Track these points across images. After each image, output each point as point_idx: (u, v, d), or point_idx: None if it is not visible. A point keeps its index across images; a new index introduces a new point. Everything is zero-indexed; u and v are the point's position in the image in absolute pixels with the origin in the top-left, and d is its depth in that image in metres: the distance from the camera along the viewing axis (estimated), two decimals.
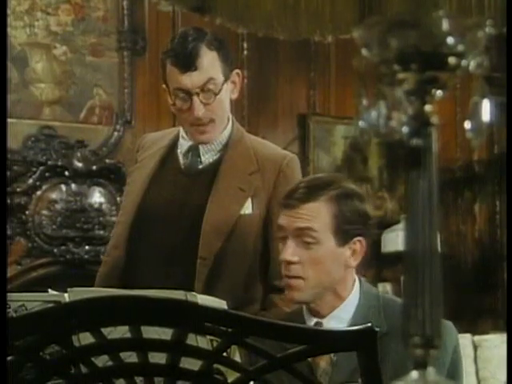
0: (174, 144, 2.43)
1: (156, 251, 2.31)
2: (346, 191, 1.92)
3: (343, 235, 1.89)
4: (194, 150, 2.38)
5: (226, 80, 2.31)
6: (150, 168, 2.41)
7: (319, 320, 1.92)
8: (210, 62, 2.28)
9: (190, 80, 2.26)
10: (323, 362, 1.88)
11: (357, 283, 1.95)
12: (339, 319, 1.90)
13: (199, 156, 2.37)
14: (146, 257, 2.32)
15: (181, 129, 2.43)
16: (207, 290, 2.19)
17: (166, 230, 2.31)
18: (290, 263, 1.90)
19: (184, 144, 2.40)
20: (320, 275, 1.89)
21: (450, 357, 1.84)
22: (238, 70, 2.38)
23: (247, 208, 2.31)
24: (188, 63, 2.26)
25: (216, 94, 2.28)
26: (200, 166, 2.37)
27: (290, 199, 1.92)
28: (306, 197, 1.90)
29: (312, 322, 1.93)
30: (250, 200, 2.32)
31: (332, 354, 1.86)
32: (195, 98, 2.26)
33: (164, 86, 2.37)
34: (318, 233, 1.88)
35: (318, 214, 1.88)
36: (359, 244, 1.90)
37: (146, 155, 2.47)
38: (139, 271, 2.31)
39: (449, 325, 1.89)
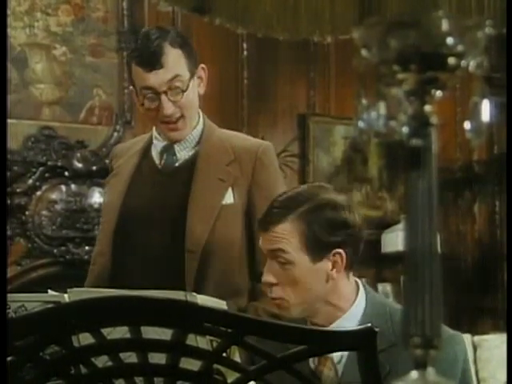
0: (147, 147, 2.45)
1: (143, 253, 2.31)
2: (318, 204, 1.87)
3: (317, 251, 1.85)
4: (169, 149, 2.39)
5: (192, 76, 2.32)
6: (127, 173, 2.42)
7: None
8: (174, 59, 2.29)
9: (156, 78, 2.27)
10: (327, 369, 1.87)
11: (361, 291, 1.91)
12: (343, 328, 1.86)
13: (175, 154, 2.38)
14: (133, 260, 2.32)
15: (153, 131, 2.44)
16: (198, 283, 2.21)
17: (151, 230, 2.31)
18: (270, 285, 1.88)
19: (158, 145, 2.41)
20: (300, 293, 1.85)
21: (460, 368, 1.82)
22: (203, 65, 2.38)
23: (229, 198, 2.33)
24: (153, 61, 2.27)
25: (184, 91, 2.29)
26: (177, 164, 2.38)
27: (264, 222, 1.91)
28: (276, 218, 1.87)
29: None
30: (230, 190, 2.33)
31: (337, 363, 1.85)
32: (163, 97, 2.27)
33: (131, 87, 2.39)
34: (290, 253, 1.85)
35: (287, 235, 1.85)
36: (339, 256, 1.85)
37: (121, 162, 2.48)
38: (127, 275, 2.31)
39: (458, 336, 1.87)
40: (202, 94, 2.39)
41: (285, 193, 1.97)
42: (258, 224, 1.94)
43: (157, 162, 2.41)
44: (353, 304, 1.89)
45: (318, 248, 1.85)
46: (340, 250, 1.85)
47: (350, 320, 1.87)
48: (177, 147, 2.38)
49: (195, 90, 2.35)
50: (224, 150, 2.38)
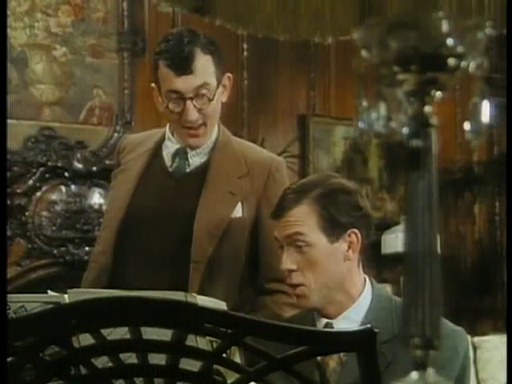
0: (159, 146, 2.41)
1: (145, 256, 2.28)
2: (331, 188, 1.92)
3: (334, 231, 1.89)
4: (181, 153, 2.36)
5: (218, 84, 2.30)
6: (136, 171, 2.39)
7: (329, 321, 1.91)
8: (204, 65, 2.27)
9: (185, 83, 2.25)
10: (333, 361, 1.88)
11: (368, 284, 1.94)
12: (350, 320, 1.89)
13: (187, 159, 2.36)
14: (135, 262, 2.29)
15: (167, 130, 2.41)
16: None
17: (155, 234, 2.29)
18: (290, 271, 1.91)
19: (170, 146, 2.38)
20: (320, 277, 1.89)
21: (460, 362, 1.84)
22: (229, 74, 2.36)
23: (237, 212, 2.31)
24: (184, 66, 2.24)
25: (210, 100, 2.27)
26: (188, 170, 2.36)
27: (279, 209, 1.94)
28: (290, 204, 1.91)
29: (322, 323, 1.92)
30: (240, 204, 2.31)
31: (342, 355, 1.86)
32: (189, 103, 2.25)
33: (153, 84, 2.35)
34: (307, 235, 1.89)
35: (303, 217, 1.89)
36: (354, 236, 1.90)
37: (131, 158, 2.45)
38: (128, 277, 2.28)
39: (460, 331, 1.89)
40: (224, 102, 2.36)
41: (295, 182, 2.02)
42: (272, 213, 1.97)
43: (167, 164, 2.37)
44: (361, 295, 1.92)
45: (334, 228, 1.89)
46: (355, 230, 1.90)
47: (357, 312, 1.90)
48: (190, 152, 2.35)
49: (219, 98, 2.33)
50: (237, 161, 2.36)
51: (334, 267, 1.90)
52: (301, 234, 1.89)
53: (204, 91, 2.26)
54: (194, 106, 2.26)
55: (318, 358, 1.87)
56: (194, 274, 2.22)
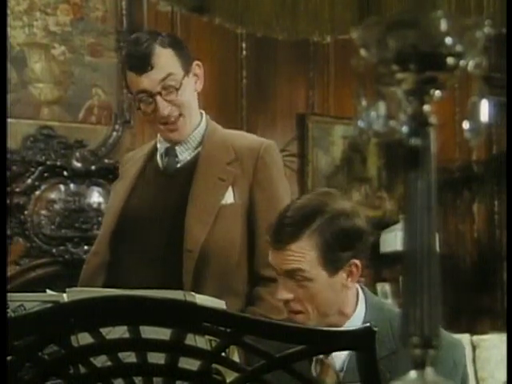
0: (153, 151, 2.45)
1: (140, 252, 2.30)
2: (331, 216, 1.84)
3: (334, 264, 1.83)
4: (171, 151, 2.38)
5: (186, 74, 2.31)
6: (131, 176, 2.43)
7: None
8: (165, 58, 2.28)
9: (149, 80, 2.26)
10: (330, 378, 1.86)
11: (361, 297, 1.91)
12: None
13: (176, 156, 2.38)
14: (130, 259, 2.31)
15: (158, 135, 2.43)
16: (195, 283, 2.20)
17: (150, 231, 2.30)
18: (287, 301, 1.86)
19: (161, 148, 2.41)
20: (319, 306, 1.85)
21: (460, 375, 1.83)
22: (198, 62, 2.37)
23: (229, 198, 2.31)
24: (143, 64, 2.26)
25: (177, 89, 2.27)
26: (178, 165, 2.38)
27: (277, 240, 1.86)
28: (290, 237, 1.83)
29: None
30: (230, 189, 2.31)
31: (339, 370, 1.85)
32: (158, 98, 2.26)
33: (129, 94, 2.38)
34: (308, 272, 1.83)
35: (304, 253, 1.82)
36: (354, 266, 1.85)
37: (127, 167, 2.50)
38: (124, 274, 2.30)
39: (458, 342, 1.87)
40: (199, 92, 2.37)
41: (290, 206, 1.91)
42: (270, 241, 1.89)
43: (159, 163, 2.40)
44: (355, 310, 1.89)
45: (335, 261, 1.83)
46: (356, 261, 1.85)
47: (351, 326, 1.87)
48: (178, 149, 2.37)
49: (192, 87, 2.34)
50: (225, 149, 2.36)
51: (332, 297, 1.86)
52: (301, 270, 1.83)
53: (170, 82, 2.27)
54: (164, 99, 2.27)
55: (315, 374, 1.86)
56: (187, 262, 2.22)
